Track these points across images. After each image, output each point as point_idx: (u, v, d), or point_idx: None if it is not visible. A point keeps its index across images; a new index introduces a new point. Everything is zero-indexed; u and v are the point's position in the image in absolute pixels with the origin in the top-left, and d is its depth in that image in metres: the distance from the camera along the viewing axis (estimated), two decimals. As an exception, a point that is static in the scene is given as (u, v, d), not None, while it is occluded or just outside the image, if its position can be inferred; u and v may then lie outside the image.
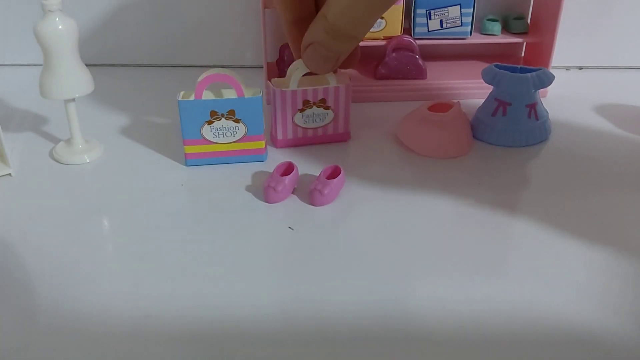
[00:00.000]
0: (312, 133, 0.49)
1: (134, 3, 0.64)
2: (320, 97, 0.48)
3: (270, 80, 0.48)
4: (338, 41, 0.41)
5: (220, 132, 0.46)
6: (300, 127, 0.49)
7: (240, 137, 0.46)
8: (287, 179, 0.42)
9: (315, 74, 0.47)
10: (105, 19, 0.64)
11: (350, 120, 0.50)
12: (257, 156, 0.47)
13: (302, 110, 0.48)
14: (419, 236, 0.39)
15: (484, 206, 0.42)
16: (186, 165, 0.47)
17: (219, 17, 0.65)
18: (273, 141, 0.50)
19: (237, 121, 0.45)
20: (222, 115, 0.45)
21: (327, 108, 0.48)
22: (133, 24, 0.65)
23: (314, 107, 0.48)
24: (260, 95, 0.45)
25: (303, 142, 0.49)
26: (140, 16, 0.64)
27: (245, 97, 0.45)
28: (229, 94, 0.46)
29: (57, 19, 0.42)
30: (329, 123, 0.49)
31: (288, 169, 0.44)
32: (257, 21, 0.64)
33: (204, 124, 0.45)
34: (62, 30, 0.42)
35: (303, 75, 0.47)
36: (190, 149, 0.46)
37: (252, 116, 0.45)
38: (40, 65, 0.44)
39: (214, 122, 0.45)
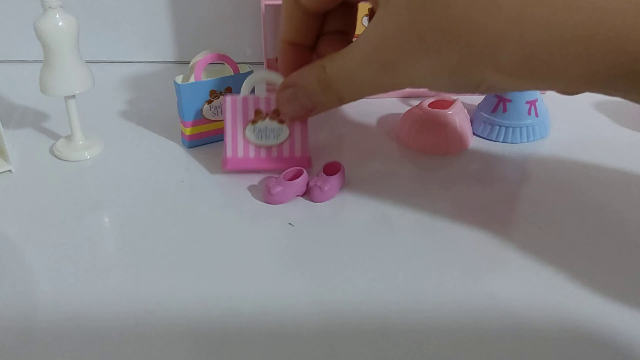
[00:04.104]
0: (266, 154, 0.43)
1: (133, 0, 0.64)
2: (273, 107, 0.43)
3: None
4: (325, 96, 0.39)
5: (219, 110, 0.48)
6: (253, 144, 0.43)
7: None
8: (291, 183, 0.42)
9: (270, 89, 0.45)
10: (105, 16, 0.64)
11: (309, 145, 0.44)
12: None
13: (254, 122, 0.43)
14: (418, 232, 0.39)
15: (483, 203, 0.42)
16: (187, 147, 0.48)
17: (218, 13, 0.65)
18: (222, 163, 0.44)
19: None
20: (221, 93, 0.47)
21: (281, 122, 0.43)
22: (132, 21, 0.65)
23: (267, 120, 0.43)
24: (252, 70, 0.47)
25: (255, 164, 0.43)
26: (139, 13, 0.64)
27: (240, 73, 0.48)
28: (221, 74, 0.48)
29: (57, 16, 0.42)
30: (284, 141, 0.43)
31: (297, 173, 0.43)
32: (257, 17, 0.64)
33: (204, 104, 0.47)
34: (62, 26, 0.42)
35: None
36: (190, 131, 0.48)
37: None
38: (40, 61, 0.44)
39: (213, 100, 0.47)
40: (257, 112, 0.43)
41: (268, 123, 0.43)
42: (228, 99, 0.43)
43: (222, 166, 0.44)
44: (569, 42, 0.27)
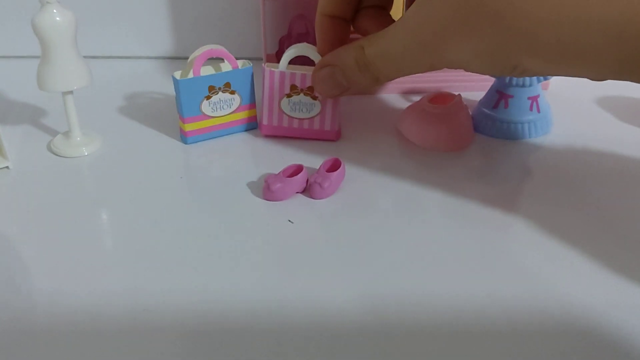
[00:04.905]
0: (298, 124, 0.47)
1: (132, -6, 0.63)
2: (308, 84, 0.46)
3: (265, 63, 0.48)
4: (362, 76, 0.40)
5: (218, 106, 0.48)
6: (286, 115, 0.47)
7: (235, 108, 0.48)
8: (291, 180, 0.41)
9: (308, 65, 0.46)
10: (103, 11, 0.64)
11: (339, 119, 0.48)
12: (251, 124, 0.50)
13: (289, 96, 0.46)
14: (419, 229, 0.39)
15: (485, 199, 0.42)
16: (187, 143, 0.48)
17: (216, 8, 0.64)
18: (259, 127, 0.49)
19: (232, 93, 0.47)
20: (219, 88, 0.47)
21: (314, 98, 0.46)
22: (130, 17, 0.64)
23: (302, 95, 0.46)
24: (251, 65, 0.48)
25: (288, 132, 0.48)
26: (137, 9, 0.64)
27: (240, 68, 0.47)
28: (218, 69, 0.47)
29: (55, 11, 0.42)
30: (315, 116, 0.47)
31: (297, 170, 0.42)
32: (257, 12, 0.64)
33: (203, 100, 0.47)
34: (59, 22, 0.42)
35: (292, 62, 0.46)
36: (189, 127, 0.47)
37: (245, 86, 0.48)
38: (38, 57, 0.44)
39: (212, 96, 0.47)
40: (293, 87, 0.46)
41: (302, 98, 0.46)
42: (267, 70, 0.46)
43: (259, 130, 0.49)
44: (602, 32, 0.28)
